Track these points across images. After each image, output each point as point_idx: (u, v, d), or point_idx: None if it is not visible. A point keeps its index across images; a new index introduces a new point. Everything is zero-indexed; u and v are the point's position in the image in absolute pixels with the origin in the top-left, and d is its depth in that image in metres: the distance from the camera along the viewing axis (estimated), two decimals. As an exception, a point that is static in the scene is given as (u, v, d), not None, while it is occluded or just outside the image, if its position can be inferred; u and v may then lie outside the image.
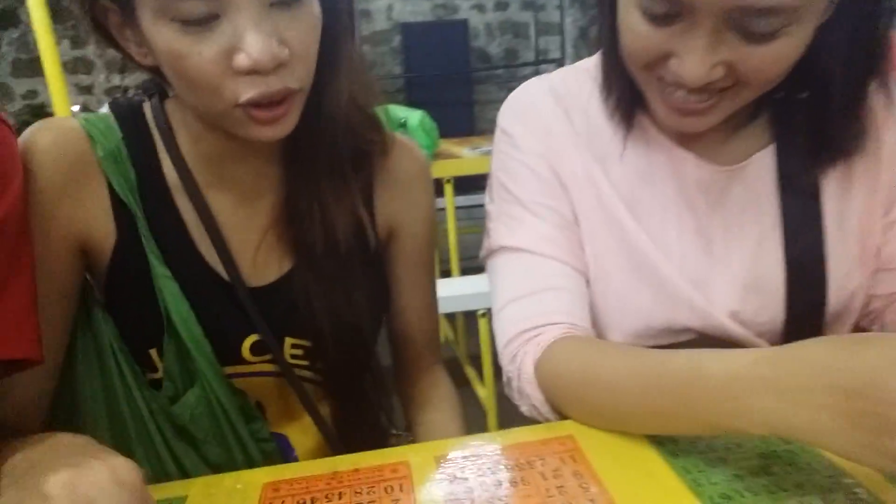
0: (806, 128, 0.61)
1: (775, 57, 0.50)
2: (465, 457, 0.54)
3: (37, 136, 0.59)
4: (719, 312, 0.63)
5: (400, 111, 2.11)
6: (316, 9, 0.57)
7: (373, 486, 0.50)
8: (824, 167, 0.62)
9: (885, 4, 0.53)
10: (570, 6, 5.69)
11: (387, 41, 5.65)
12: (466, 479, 0.50)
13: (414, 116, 2.07)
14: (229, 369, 0.66)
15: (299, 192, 0.66)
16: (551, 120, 0.67)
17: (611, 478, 0.49)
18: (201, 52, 0.52)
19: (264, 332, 0.66)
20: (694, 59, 0.50)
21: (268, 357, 0.67)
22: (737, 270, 0.64)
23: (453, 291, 1.90)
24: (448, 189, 2.28)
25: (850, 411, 0.37)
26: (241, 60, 0.52)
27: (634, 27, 0.53)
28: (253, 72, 0.52)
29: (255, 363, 0.67)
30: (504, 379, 0.64)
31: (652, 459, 0.51)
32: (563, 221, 0.65)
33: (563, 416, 0.59)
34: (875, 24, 0.54)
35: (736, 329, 0.63)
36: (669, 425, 0.50)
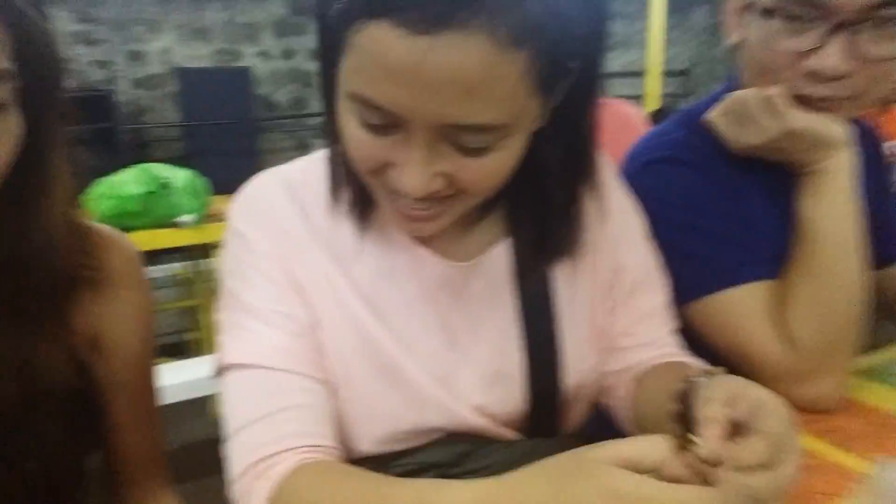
0: (531, 225, 0.63)
1: (490, 169, 0.51)
2: None
3: None
4: (464, 408, 0.62)
5: (163, 170, 1.92)
6: (14, 118, 0.52)
7: None
8: (551, 261, 0.65)
9: (592, 119, 0.57)
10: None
11: (161, 86, 5.28)
12: None
13: (180, 177, 1.90)
14: None
15: None
16: (285, 219, 0.62)
17: None
18: None
19: None
20: (412, 171, 0.49)
21: None
22: (479, 363, 0.64)
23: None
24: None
25: None
26: None
27: (354, 134, 0.51)
28: None
29: None
30: None
31: None
32: (299, 329, 0.60)
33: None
34: (584, 135, 0.58)
35: (481, 422, 0.63)
36: None
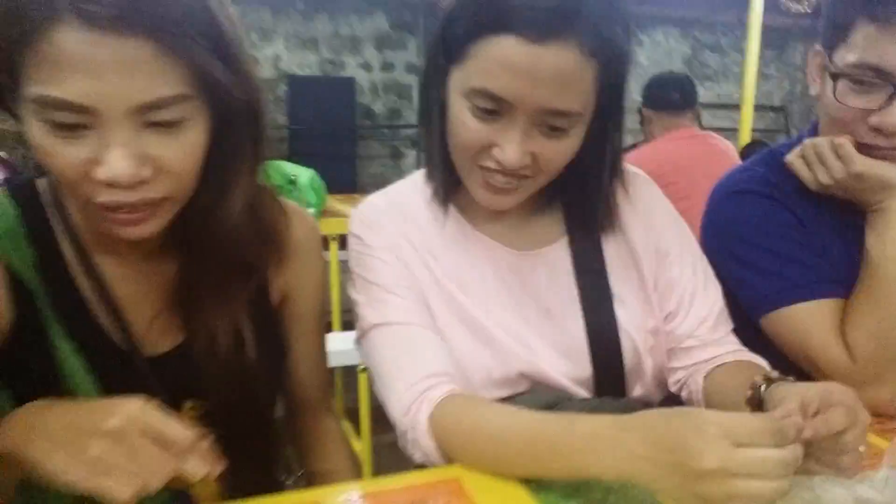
0: (581, 217, 0.83)
1: (563, 150, 0.72)
2: (363, 497, 0.63)
3: None
4: (543, 362, 0.79)
5: (290, 168, 2.18)
6: (196, 134, 0.60)
7: (291, 527, 0.58)
8: (601, 248, 0.83)
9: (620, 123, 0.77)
10: (451, 74, 6.08)
11: (271, 90, 5.69)
12: (372, 517, 0.60)
13: (304, 175, 2.15)
14: None
15: (190, 281, 0.71)
16: (391, 225, 0.82)
17: (490, 512, 0.60)
18: (65, 155, 0.55)
19: (163, 397, 0.71)
20: (512, 146, 0.69)
21: None
22: (548, 338, 0.81)
23: (334, 347, 1.94)
24: (333, 246, 2.36)
25: (666, 463, 0.54)
26: (100, 173, 0.55)
27: (466, 122, 0.71)
28: (110, 185, 0.56)
29: None
30: (398, 431, 0.74)
31: (522, 496, 0.63)
32: (417, 297, 0.79)
33: (449, 463, 0.70)
34: (615, 136, 0.78)
35: (560, 380, 0.79)
36: (543, 470, 0.63)
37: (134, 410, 0.51)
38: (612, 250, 0.84)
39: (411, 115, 6.12)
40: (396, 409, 0.74)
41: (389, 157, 6.21)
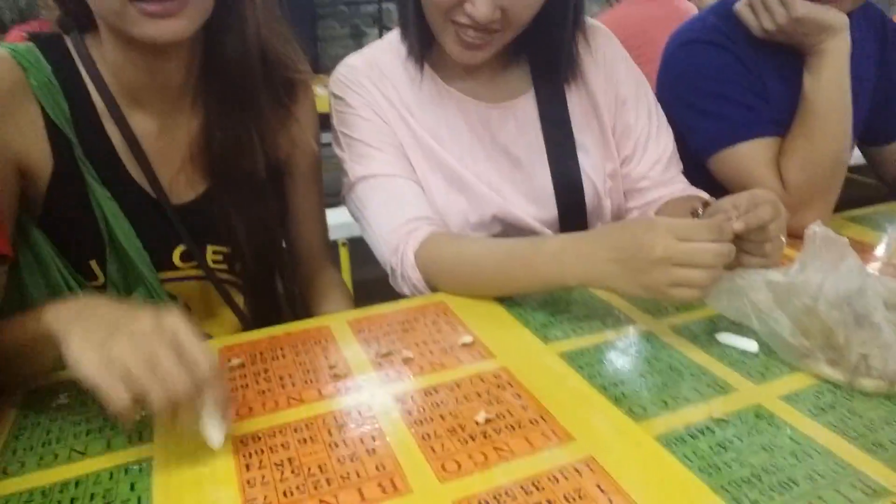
0: (545, 69, 0.89)
1: (530, 2, 0.77)
2: (368, 318, 0.74)
3: None
4: (514, 207, 0.88)
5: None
6: None
7: (306, 343, 0.69)
8: (565, 98, 0.90)
9: None
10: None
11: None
12: (374, 335, 0.70)
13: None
14: (162, 275, 0.79)
15: (218, 127, 0.77)
16: (370, 84, 0.88)
17: (473, 324, 0.71)
18: None
19: (189, 242, 0.79)
20: (484, 3, 0.74)
21: (193, 263, 0.81)
22: (518, 184, 0.89)
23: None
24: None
25: (621, 259, 0.63)
26: None
27: None
28: None
29: (182, 269, 0.81)
30: (388, 270, 0.84)
31: (499, 311, 0.75)
32: (398, 151, 0.87)
33: (435, 292, 0.81)
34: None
35: (529, 222, 0.89)
36: (516, 286, 0.74)
37: (167, 320, 0.49)
38: (574, 100, 0.92)
39: (371, -8, 5.84)
40: (385, 250, 0.83)
41: (350, 38, 5.99)
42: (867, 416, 0.54)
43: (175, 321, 0.50)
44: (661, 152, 0.94)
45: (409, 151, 0.87)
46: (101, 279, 0.76)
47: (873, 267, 0.77)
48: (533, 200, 0.90)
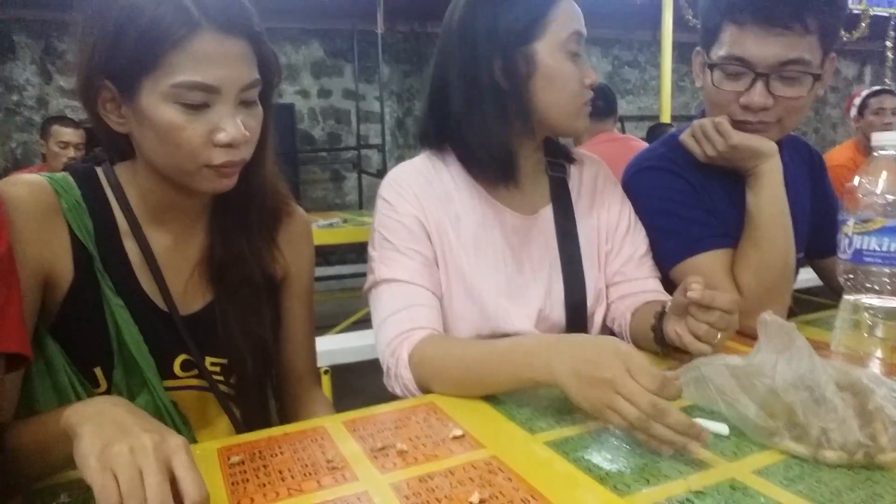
0: (564, 195, 1.01)
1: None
2: (363, 418, 0.77)
3: (14, 189, 0.74)
4: (522, 318, 0.95)
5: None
6: (261, 109, 0.80)
7: (303, 441, 0.71)
8: (573, 215, 1.02)
9: None
10: (388, 98, 6.26)
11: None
12: (369, 432, 0.73)
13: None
14: (164, 384, 0.82)
15: (224, 239, 0.86)
16: (419, 190, 0.97)
17: (463, 419, 0.75)
18: (195, 128, 0.73)
19: (192, 352, 0.84)
20: None
21: (194, 373, 0.85)
22: (540, 286, 0.98)
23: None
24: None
25: (578, 370, 0.68)
26: (223, 137, 0.74)
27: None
28: (228, 146, 0.74)
29: (183, 378, 0.84)
30: (384, 369, 0.89)
31: (486, 409, 0.78)
32: (426, 261, 0.95)
33: (424, 394, 0.85)
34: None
35: (533, 330, 0.96)
36: (496, 383, 0.78)
37: (171, 442, 0.53)
38: (580, 217, 1.04)
39: (350, 139, 6.26)
40: (385, 349, 0.89)
41: (330, 181, 6.32)
42: (833, 484, 0.58)
43: (178, 444, 0.53)
44: (634, 250, 1.05)
45: (441, 258, 0.96)
46: (104, 386, 0.79)
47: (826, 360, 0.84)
48: (546, 301, 0.99)
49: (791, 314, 1.08)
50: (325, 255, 5.50)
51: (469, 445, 0.69)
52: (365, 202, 6.16)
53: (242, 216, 0.87)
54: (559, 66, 0.91)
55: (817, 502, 0.55)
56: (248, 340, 0.87)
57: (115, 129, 0.77)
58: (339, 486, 0.61)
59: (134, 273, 0.82)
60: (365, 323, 3.21)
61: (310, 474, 0.64)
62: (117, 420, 0.55)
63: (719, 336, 0.76)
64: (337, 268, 5.22)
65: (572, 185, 1.07)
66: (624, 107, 7.45)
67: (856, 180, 0.73)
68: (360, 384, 2.61)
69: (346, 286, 4.80)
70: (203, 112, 0.73)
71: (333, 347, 2.33)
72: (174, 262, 0.85)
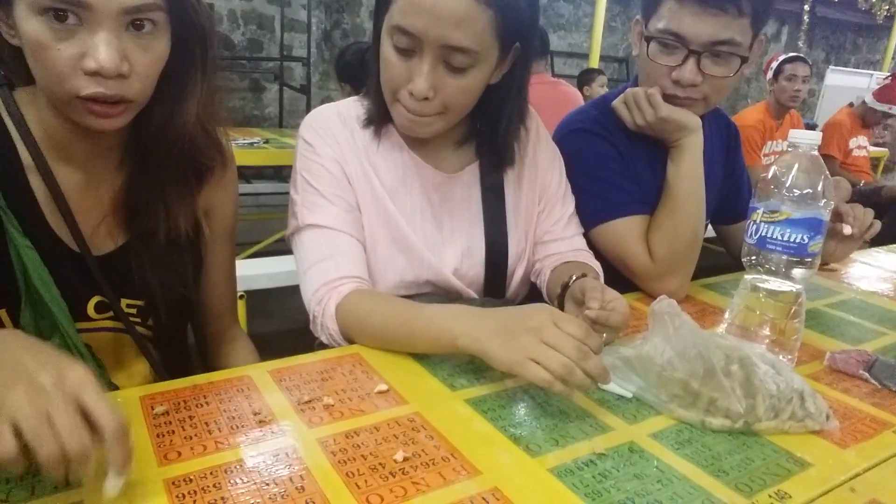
0: (491, 154, 1.01)
1: (462, 88, 0.86)
2: (289, 368, 0.78)
3: None
4: (447, 270, 0.98)
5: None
6: (162, 46, 0.71)
7: (228, 391, 0.72)
8: (503, 174, 1.02)
9: (526, 84, 0.95)
10: (315, 7, 5.91)
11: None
12: (295, 383, 0.75)
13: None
14: (76, 325, 0.79)
15: (140, 186, 0.81)
16: (340, 135, 0.96)
17: (387, 373, 0.78)
18: (60, 49, 0.64)
19: (106, 293, 0.81)
20: (420, 78, 0.83)
21: (108, 314, 0.82)
22: (456, 242, 1.00)
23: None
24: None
25: (501, 326, 0.71)
26: (89, 63, 0.65)
27: (389, 58, 0.85)
28: (96, 74, 0.66)
29: (97, 320, 0.82)
30: (311, 317, 0.90)
31: (410, 363, 0.82)
32: (349, 206, 0.94)
33: (349, 343, 0.87)
34: (523, 96, 0.96)
35: (456, 282, 0.99)
36: (420, 344, 0.81)
37: (71, 376, 0.48)
38: (509, 176, 1.04)
39: (273, 48, 5.92)
40: (311, 297, 0.89)
41: (249, 90, 6.00)
42: (715, 448, 0.66)
43: (80, 377, 0.49)
44: (562, 212, 1.08)
45: (364, 204, 0.95)
46: (10, 328, 0.75)
47: (720, 328, 0.92)
48: (466, 263, 1.00)
49: (694, 277, 1.17)
50: (242, 172, 5.30)
51: (393, 401, 0.72)
52: (286, 118, 5.91)
53: (158, 166, 0.81)
54: (384, 48, 0.86)
55: (701, 465, 0.63)
56: (164, 283, 0.84)
57: (7, 39, 0.69)
58: (266, 441, 0.63)
59: (42, 211, 0.76)
60: (280, 243, 3.17)
61: (237, 427, 0.65)
62: (7, 359, 0.50)
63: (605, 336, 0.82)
64: (254, 184, 5.05)
65: None
66: (556, 41, 7.43)
67: (770, 172, 0.79)
68: (273, 307, 2.65)
69: (262, 203, 4.67)
70: (75, 32, 0.65)
71: (250, 273, 2.30)
72: (85, 200, 0.80)
